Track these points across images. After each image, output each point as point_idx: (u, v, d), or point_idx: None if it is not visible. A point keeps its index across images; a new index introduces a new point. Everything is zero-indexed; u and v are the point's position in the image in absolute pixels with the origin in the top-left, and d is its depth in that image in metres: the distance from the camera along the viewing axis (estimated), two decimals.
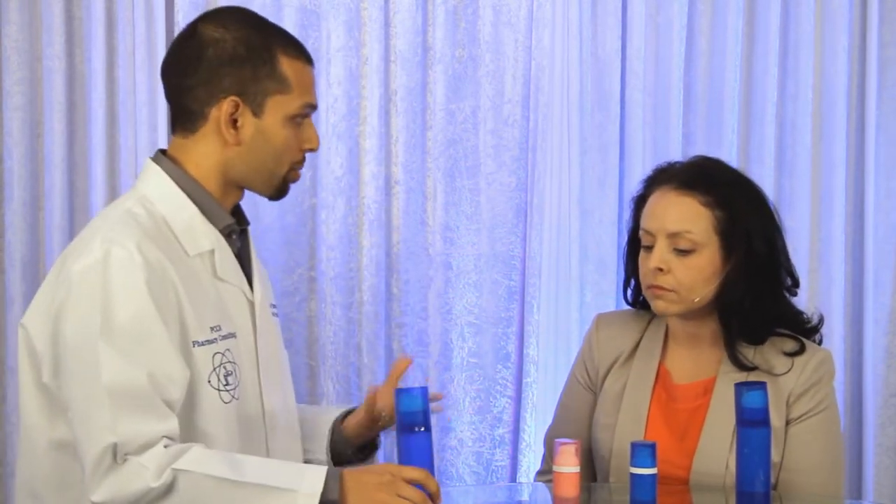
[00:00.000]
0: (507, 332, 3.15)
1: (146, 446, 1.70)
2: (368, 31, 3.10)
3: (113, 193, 3.03)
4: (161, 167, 1.91)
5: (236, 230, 1.96)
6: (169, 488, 1.68)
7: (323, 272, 3.10)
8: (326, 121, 3.10)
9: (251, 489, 1.66)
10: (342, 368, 3.11)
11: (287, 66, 1.89)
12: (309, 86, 1.93)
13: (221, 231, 1.93)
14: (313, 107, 1.94)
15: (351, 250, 3.12)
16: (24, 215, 3.03)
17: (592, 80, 3.13)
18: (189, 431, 1.81)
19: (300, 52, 1.93)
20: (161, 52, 3.04)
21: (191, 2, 3.06)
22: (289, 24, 3.08)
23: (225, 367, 1.86)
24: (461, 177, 3.13)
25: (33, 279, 3.04)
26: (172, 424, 1.74)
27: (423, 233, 3.13)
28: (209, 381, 1.83)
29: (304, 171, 3.05)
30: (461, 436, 3.13)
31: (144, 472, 1.68)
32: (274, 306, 2.09)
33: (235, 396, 1.87)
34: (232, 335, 1.89)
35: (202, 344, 1.83)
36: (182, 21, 3.04)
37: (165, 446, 1.71)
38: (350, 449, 2.12)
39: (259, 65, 1.87)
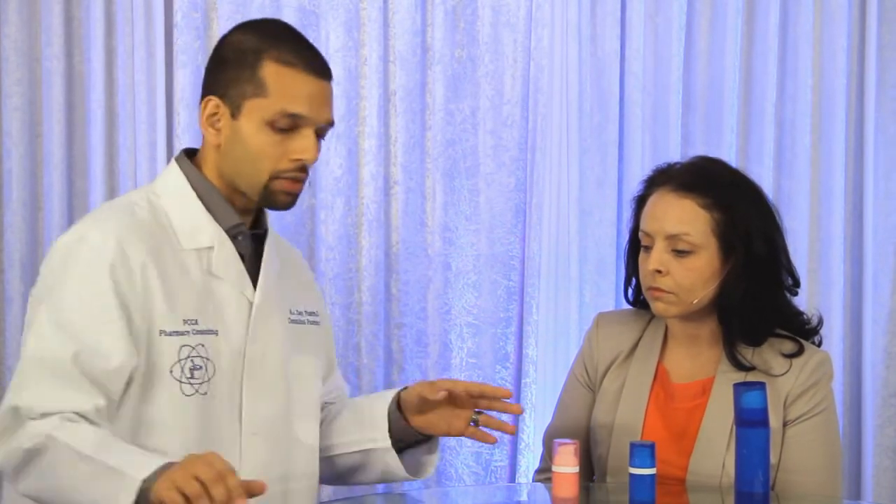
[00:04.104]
0: (506, 332, 3.15)
1: (47, 415, 1.75)
2: (367, 32, 3.10)
3: (112, 193, 3.04)
4: (179, 165, 1.97)
5: (245, 232, 1.97)
6: (37, 452, 1.72)
7: (322, 272, 3.10)
8: None
9: (96, 466, 1.68)
10: (341, 369, 3.10)
11: (270, 70, 1.88)
12: (294, 94, 1.88)
13: (228, 231, 1.94)
14: (294, 115, 1.89)
15: (350, 251, 3.12)
16: (23, 215, 3.03)
17: (591, 81, 3.13)
18: (139, 418, 1.85)
19: (298, 60, 1.89)
20: (160, 53, 3.05)
21: (190, 2, 3.06)
22: None
23: (193, 361, 1.87)
24: (460, 177, 3.14)
25: (32, 279, 3.01)
26: (90, 402, 1.77)
27: (422, 233, 3.13)
28: (171, 372, 1.85)
29: None
30: None
31: (23, 436, 1.73)
32: (312, 314, 2.09)
33: (202, 391, 1.87)
34: (212, 331, 1.90)
35: (169, 334, 1.85)
36: (181, 21, 3.04)
37: (70, 420, 1.75)
38: (411, 433, 2.08)
39: (242, 68, 1.89)
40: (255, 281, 1.97)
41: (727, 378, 2.11)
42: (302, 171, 1.92)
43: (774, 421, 2.07)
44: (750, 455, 1.92)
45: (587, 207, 3.14)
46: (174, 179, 1.95)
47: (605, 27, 3.13)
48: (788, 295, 2.20)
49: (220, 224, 1.93)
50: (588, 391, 2.28)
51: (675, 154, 2.99)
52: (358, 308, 3.11)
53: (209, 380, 1.88)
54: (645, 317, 2.26)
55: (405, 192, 3.12)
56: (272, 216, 3.07)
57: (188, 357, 1.87)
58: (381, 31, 3.10)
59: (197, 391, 1.87)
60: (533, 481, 2.39)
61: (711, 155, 2.35)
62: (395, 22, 3.10)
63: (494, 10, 3.12)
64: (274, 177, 1.90)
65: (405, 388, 2.09)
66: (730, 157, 3.08)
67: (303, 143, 1.90)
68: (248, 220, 1.99)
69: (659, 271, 2.10)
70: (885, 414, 3.16)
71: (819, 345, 2.21)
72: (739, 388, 1.94)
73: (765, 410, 1.92)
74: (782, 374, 2.13)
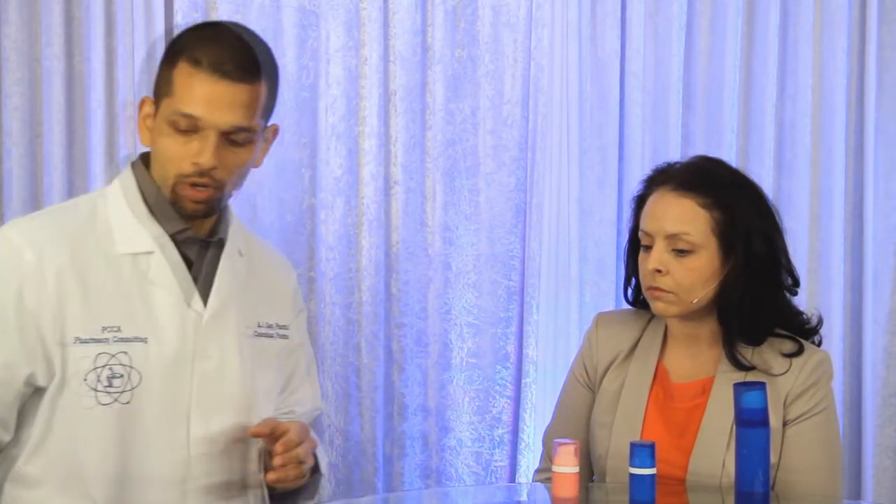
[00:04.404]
0: (506, 332, 3.15)
1: None
2: (367, 32, 3.10)
3: None
4: (132, 168, 1.94)
5: (192, 238, 1.92)
6: None
7: (322, 272, 3.10)
8: (325, 121, 3.10)
9: None
10: (341, 369, 3.11)
11: (180, 70, 1.85)
12: (191, 94, 1.83)
13: (173, 236, 1.90)
14: (189, 116, 1.83)
15: (350, 250, 3.12)
16: (23, 216, 3.03)
17: (592, 81, 3.13)
18: (50, 426, 1.83)
19: (206, 60, 1.83)
20: (160, 53, 3.04)
21: (190, 2, 3.06)
22: (288, 24, 3.08)
23: (111, 369, 1.83)
24: (460, 177, 3.14)
25: None
26: None
27: (422, 233, 3.13)
28: (86, 380, 1.82)
29: (304, 172, 3.10)
30: (460, 436, 3.13)
31: None
32: (282, 327, 2.05)
33: (122, 401, 1.84)
34: (138, 339, 1.85)
35: (85, 342, 1.82)
36: (181, 21, 3.04)
37: None
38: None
39: (166, 68, 1.88)
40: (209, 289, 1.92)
41: (727, 378, 2.11)
42: (202, 176, 1.85)
43: (774, 420, 2.07)
44: (750, 455, 1.92)
45: (587, 207, 3.14)
46: (124, 182, 1.93)
47: (605, 27, 3.13)
48: (788, 295, 2.20)
49: (163, 229, 1.89)
50: (588, 391, 2.28)
51: (675, 154, 2.99)
52: (358, 308, 3.11)
53: (132, 389, 1.84)
54: (645, 316, 2.26)
55: (405, 192, 3.12)
56: (273, 217, 3.09)
57: (106, 365, 1.83)
58: (381, 31, 3.10)
59: (116, 400, 1.83)
60: (533, 481, 2.39)
61: (711, 155, 2.35)
62: (395, 22, 3.10)
63: (494, 10, 3.12)
64: (177, 181, 1.86)
65: None
66: (730, 157, 3.08)
67: (198, 145, 1.84)
68: (205, 225, 1.94)
69: (659, 271, 2.10)
70: (885, 414, 3.16)
71: (819, 344, 2.21)
72: (739, 387, 1.94)
73: (765, 410, 1.92)
74: (782, 374, 2.13)
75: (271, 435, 1.88)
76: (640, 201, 2.19)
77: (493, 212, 3.14)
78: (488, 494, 2.64)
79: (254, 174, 3.07)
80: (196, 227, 1.92)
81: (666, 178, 2.16)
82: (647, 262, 2.12)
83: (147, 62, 3.04)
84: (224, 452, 1.92)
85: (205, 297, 1.91)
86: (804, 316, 2.21)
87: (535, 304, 3.12)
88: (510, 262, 3.15)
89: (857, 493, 3.15)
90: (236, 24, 1.97)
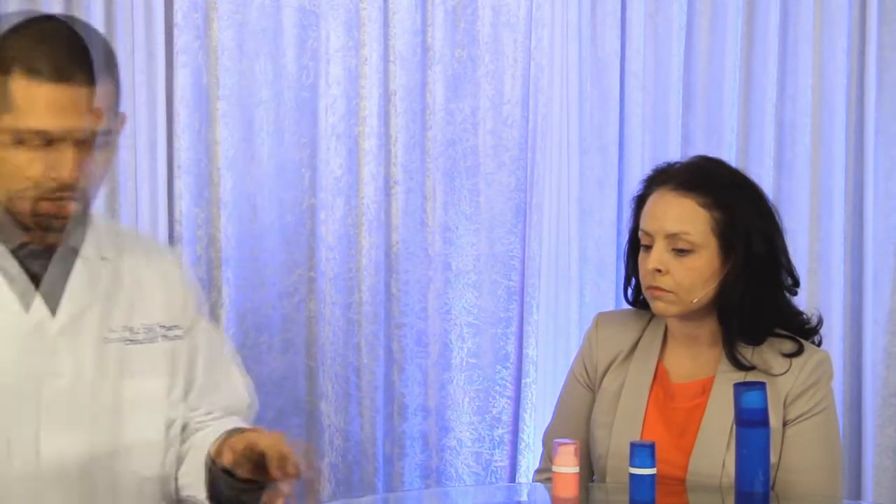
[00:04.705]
0: (506, 332, 3.15)
1: None
2: (368, 32, 3.10)
3: (112, 194, 3.03)
4: None
5: (38, 251, 1.77)
6: None
7: (322, 272, 3.10)
8: (325, 121, 3.10)
9: None
10: (341, 369, 3.11)
11: (15, 83, 1.66)
12: (38, 108, 1.66)
13: (15, 251, 1.76)
14: (38, 131, 1.66)
15: (350, 250, 3.12)
16: None
17: (592, 81, 3.13)
18: None
19: (45, 68, 1.66)
20: (160, 53, 3.04)
21: (190, 2, 3.06)
22: (288, 25, 3.08)
23: None
24: (460, 177, 3.14)
25: None
26: None
27: (422, 233, 3.13)
28: None
29: (304, 172, 3.10)
30: (460, 436, 3.13)
31: None
32: (171, 328, 1.88)
33: None
34: None
35: None
36: (181, 21, 3.04)
37: None
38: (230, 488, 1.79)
39: None
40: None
41: (727, 378, 2.11)
42: (65, 190, 1.70)
43: (774, 420, 2.07)
44: (750, 455, 1.92)
45: (587, 207, 3.14)
46: None
47: (605, 27, 3.13)
48: (788, 295, 2.20)
49: (2, 244, 1.75)
50: (588, 391, 2.28)
51: (675, 154, 2.99)
52: (358, 308, 3.11)
53: None
54: (645, 316, 2.26)
55: (405, 192, 3.12)
56: (273, 217, 3.09)
57: None
58: (381, 31, 3.10)
59: None
60: (533, 481, 2.39)
61: (711, 155, 2.36)
62: (395, 22, 3.10)
63: (494, 10, 3.12)
64: (36, 197, 1.70)
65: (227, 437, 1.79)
66: (730, 157, 3.08)
67: (55, 158, 1.68)
68: (53, 235, 1.76)
69: (659, 270, 2.10)
70: (885, 414, 3.16)
71: (819, 344, 2.21)
72: (739, 387, 1.94)
73: (765, 410, 1.92)
74: (782, 374, 2.13)
75: (281, 463, 1.66)
76: (640, 201, 2.19)
77: (493, 212, 3.14)
78: (488, 494, 2.64)
79: (254, 174, 3.11)
80: (41, 239, 1.76)
81: (666, 177, 2.16)
82: (647, 262, 2.12)
83: (148, 62, 3.03)
84: (82, 475, 1.77)
85: (54, 311, 1.77)
86: (804, 316, 2.21)
87: (535, 304, 3.12)
88: (510, 262, 3.15)
89: (857, 493, 3.15)
90: (62, 18, 1.82)
